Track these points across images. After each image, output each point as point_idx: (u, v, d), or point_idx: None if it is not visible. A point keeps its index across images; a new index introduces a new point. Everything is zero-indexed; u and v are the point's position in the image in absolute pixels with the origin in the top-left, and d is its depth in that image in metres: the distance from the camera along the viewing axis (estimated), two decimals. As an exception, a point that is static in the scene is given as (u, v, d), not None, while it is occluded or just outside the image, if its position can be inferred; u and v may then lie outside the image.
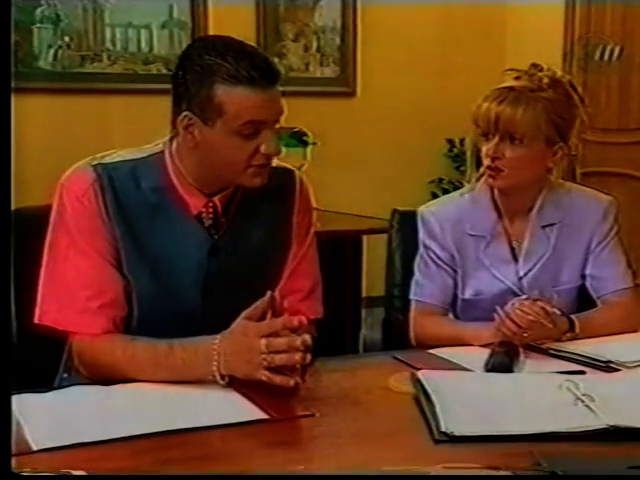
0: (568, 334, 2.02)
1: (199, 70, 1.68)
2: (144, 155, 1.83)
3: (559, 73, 2.13)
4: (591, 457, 1.40)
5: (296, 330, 1.61)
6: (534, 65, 2.12)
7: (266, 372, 1.58)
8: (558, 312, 1.99)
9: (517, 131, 2.05)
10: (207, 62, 1.67)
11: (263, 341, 1.58)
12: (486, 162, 2.09)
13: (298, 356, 1.59)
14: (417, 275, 2.21)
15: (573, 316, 2.06)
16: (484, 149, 2.09)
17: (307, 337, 1.60)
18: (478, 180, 2.21)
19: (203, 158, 1.75)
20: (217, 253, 1.82)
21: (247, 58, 1.67)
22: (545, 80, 2.07)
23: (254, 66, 1.67)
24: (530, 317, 1.91)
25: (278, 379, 1.58)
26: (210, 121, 1.70)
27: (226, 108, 1.68)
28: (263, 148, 1.72)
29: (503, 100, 2.05)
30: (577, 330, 2.03)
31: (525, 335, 1.92)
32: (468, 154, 2.23)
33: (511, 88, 2.07)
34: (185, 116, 1.71)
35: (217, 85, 1.67)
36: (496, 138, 2.06)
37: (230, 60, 1.66)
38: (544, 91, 2.06)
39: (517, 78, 2.09)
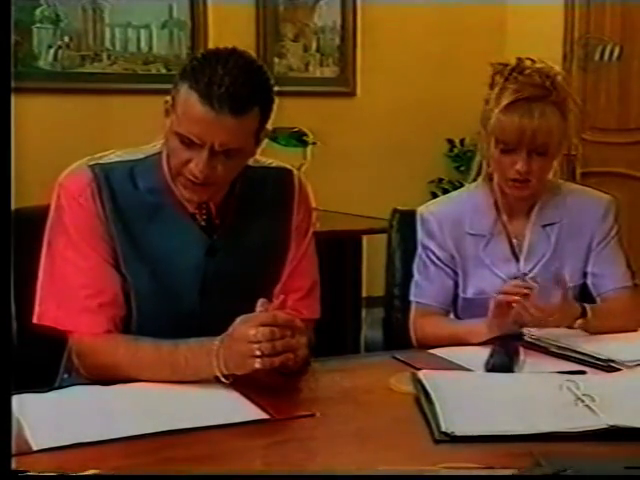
0: (580, 320, 2.02)
1: (188, 67, 1.68)
2: (142, 156, 1.83)
3: (552, 69, 2.12)
4: (591, 457, 1.40)
5: (289, 325, 1.61)
6: (520, 59, 2.11)
7: (259, 360, 1.57)
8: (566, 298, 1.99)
9: (545, 144, 2.05)
10: (194, 63, 1.68)
11: (252, 331, 1.58)
12: (511, 175, 2.08)
13: (292, 342, 1.59)
14: (416, 276, 2.21)
15: (585, 304, 2.06)
16: (504, 162, 2.07)
17: (298, 321, 1.62)
18: (475, 180, 2.21)
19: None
20: (215, 253, 1.82)
21: (226, 75, 1.63)
22: (547, 83, 2.06)
23: (223, 84, 1.63)
24: (514, 297, 1.93)
25: (268, 362, 1.57)
26: (171, 113, 1.71)
27: (177, 108, 1.68)
28: (191, 164, 1.70)
29: (528, 114, 2.03)
30: (589, 316, 2.03)
31: (531, 319, 1.91)
32: (476, 160, 2.23)
33: (528, 99, 2.04)
34: (167, 101, 1.73)
35: (184, 82, 1.67)
36: (523, 153, 2.05)
37: (209, 70, 1.64)
38: (551, 95, 2.06)
39: (506, 79, 2.07)
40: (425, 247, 2.20)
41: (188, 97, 1.66)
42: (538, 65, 2.10)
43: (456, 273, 2.19)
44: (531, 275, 2.16)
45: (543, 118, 2.04)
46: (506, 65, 2.12)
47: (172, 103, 1.71)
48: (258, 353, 1.57)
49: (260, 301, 1.64)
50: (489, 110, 2.09)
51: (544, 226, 2.19)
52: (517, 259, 2.18)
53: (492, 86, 2.12)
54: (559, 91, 2.07)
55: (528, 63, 2.10)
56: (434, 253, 2.19)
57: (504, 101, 2.05)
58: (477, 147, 2.28)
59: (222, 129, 1.65)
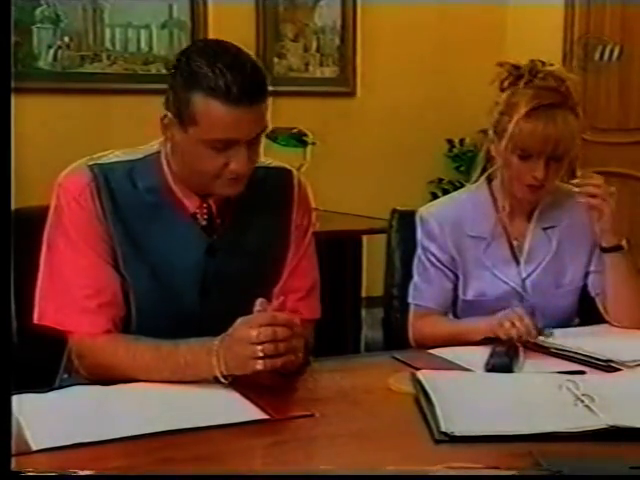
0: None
1: (185, 74, 1.67)
2: (141, 156, 1.83)
3: (564, 73, 2.09)
4: (591, 457, 1.40)
5: (288, 324, 1.61)
6: (533, 62, 2.09)
7: (259, 361, 1.57)
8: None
9: (566, 150, 2.04)
10: (194, 68, 1.66)
11: (254, 332, 1.58)
12: (528, 181, 2.06)
13: (291, 344, 1.59)
14: (415, 278, 2.20)
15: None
16: (521, 167, 2.05)
17: (297, 320, 1.63)
18: (476, 181, 2.21)
19: (180, 159, 1.76)
20: (214, 253, 1.82)
21: (234, 71, 1.63)
22: (562, 88, 2.04)
23: (236, 80, 1.63)
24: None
25: (270, 364, 1.57)
26: (185, 126, 1.69)
27: (199, 119, 1.66)
28: (232, 165, 1.70)
29: (552, 121, 2.01)
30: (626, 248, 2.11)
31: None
32: (478, 160, 2.22)
33: (551, 105, 2.02)
34: (165, 115, 1.72)
35: (196, 93, 1.65)
36: (542, 160, 2.03)
37: (215, 70, 1.63)
38: (568, 100, 2.04)
39: (526, 83, 2.05)
40: (425, 249, 2.19)
41: (208, 105, 1.64)
42: (550, 68, 2.07)
43: (456, 275, 2.18)
44: (532, 278, 2.16)
45: (565, 125, 2.02)
46: (518, 67, 2.08)
47: (179, 116, 1.68)
48: (260, 354, 1.57)
49: (258, 301, 1.64)
50: (503, 114, 2.06)
51: (545, 229, 2.19)
52: (517, 262, 2.18)
53: (503, 88, 2.09)
54: (573, 96, 2.05)
55: (540, 65, 2.07)
56: (434, 255, 2.17)
57: (524, 107, 2.02)
58: (480, 147, 2.27)
59: (252, 120, 1.67)
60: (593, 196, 2.10)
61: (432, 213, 2.21)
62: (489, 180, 2.21)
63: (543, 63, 2.09)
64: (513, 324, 1.91)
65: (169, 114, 1.71)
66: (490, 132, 2.12)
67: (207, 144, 1.68)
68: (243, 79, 1.64)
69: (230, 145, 1.68)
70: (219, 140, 1.67)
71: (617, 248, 2.13)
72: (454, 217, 2.18)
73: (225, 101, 1.63)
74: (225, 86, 1.63)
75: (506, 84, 2.09)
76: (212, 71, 1.64)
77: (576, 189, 2.09)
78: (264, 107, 1.69)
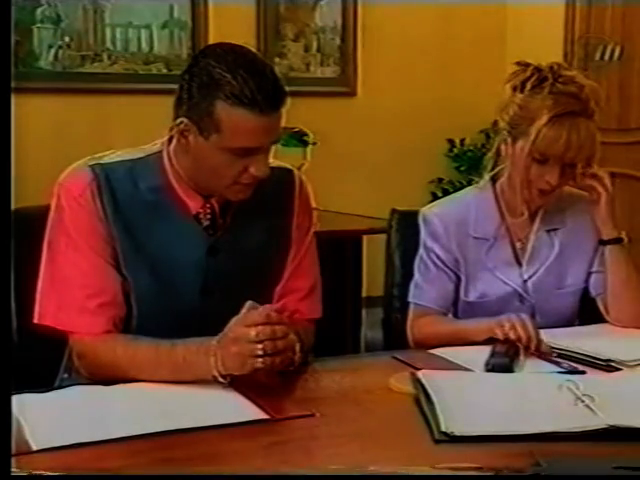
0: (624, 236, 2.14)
1: (205, 80, 1.66)
2: (142, 155, 1.83)
3: (584, 79, 2.05)
4: (591, 457, 1.40)
5: (281, 322, 1.62)
6: (555, 65, 2.05)
7: (259, 359, 1.58)
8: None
9: (585, 158, 2.04)
10: (215, 75, 1.65)
11: (252, 331, 1.59)
12: (540, 185, 2.05)
13: (288, 341, 1.60)
14: (416, 277, 2.19)
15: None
16: (535, 172, 2.03)
17: (286, 319, 1.64)
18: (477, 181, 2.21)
19: (194, 163, 1.76)
20: (216, 253, 1.82)
21: (256, 78, 1.64)
22: (583, 95, 2.01)
23: (260, 88, 1.63)
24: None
25: (270, 362, 1.58)
26: (205, 132, 1.68)
27: (223, 127, 1.66)
28: (252, 170, 1.71)
29: (575, 130, 1.98)
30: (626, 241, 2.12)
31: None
32: (487, 160, 2.20)
33: (573, 112, 1.99)
34: (182, 121, 1.71)
35: (219, 101, 1.65)
36: (558, 166, 2.02)
37: (238, 78, 1.63)
38: (589, 108, 2.02)
39: (551, 87, 2.02)
40: (429, 249, 2.17)
41: (233, 113, 1.64)
42: (570, 72, 2.05)
43: (458, 276, 2.17)
44: (533, 280, 2.16)
45: (587, 133, 2.00)
46: (541, 69, 2.05)
47: (198, 123, 1.68)
48: (260, 353, 1.57)
49: (248, 303, 1.65)
50: (521, 116, 2.04)
51: (548, 231, 2.18)
52: (520, 263, 2.17)
53: (522, 89, 2.05)
54: (592, 103, 2.02)
55: (562, 69, 2.04)
56: (438, 256, 2.16)
57: (547, 113, 1.98)
58: (480, 147, 2.26)
59: (275, 127, 1.70)
60: (593, 180, 2.11)
61: (436, 213, 2.19)
62: (493, 180, 2.20)
63: (563, 67, 2.06)
64: (513, 327, 1.91)
65: (185, 120, 1.70)
66: (504, 132, 2.09)
67: (229, 151, 1.68)
68: (266, 86, 1.65)
69: (252, 152, 1.69)
70: (243, 148, 1.68)
71: (617, 241, 2.13)
72: (458, 218, 2.17)
73: (251, 110, 1.64)
74: (250, 93, 1.63)
75: (528, 86, 2.04)
76: (234, 78, 1.63)
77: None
78: (282, 113, 1.70)
